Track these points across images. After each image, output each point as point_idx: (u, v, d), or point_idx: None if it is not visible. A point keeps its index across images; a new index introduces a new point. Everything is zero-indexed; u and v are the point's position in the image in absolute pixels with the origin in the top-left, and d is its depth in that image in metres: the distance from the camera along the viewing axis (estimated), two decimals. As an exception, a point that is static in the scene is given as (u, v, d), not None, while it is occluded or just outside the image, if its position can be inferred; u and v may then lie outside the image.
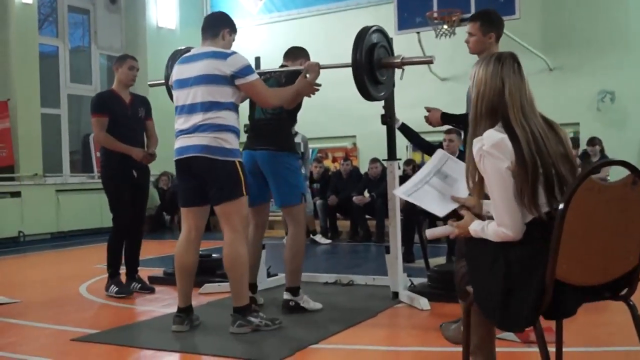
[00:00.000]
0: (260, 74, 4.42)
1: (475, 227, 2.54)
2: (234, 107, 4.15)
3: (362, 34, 4.52)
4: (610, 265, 2.38)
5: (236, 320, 4.07)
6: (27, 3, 11.19)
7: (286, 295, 4.70)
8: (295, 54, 4.95)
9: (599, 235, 2.31)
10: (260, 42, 12.93)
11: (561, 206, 2.23)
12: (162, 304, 5.18)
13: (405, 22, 10.74)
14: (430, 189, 2.82)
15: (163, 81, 5.35)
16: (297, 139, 8.39)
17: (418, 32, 10.75)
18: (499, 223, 2.41)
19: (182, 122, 4.14)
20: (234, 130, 4.12)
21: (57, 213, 11.46)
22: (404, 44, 9.92)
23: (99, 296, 5.45)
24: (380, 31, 4.73)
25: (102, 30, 13.12)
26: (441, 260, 6.58)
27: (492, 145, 2.39)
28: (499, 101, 2.46)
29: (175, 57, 4.98)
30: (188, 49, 4.63)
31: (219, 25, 4.27)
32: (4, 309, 5.06)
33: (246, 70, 4.08)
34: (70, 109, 12.55)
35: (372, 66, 4.56)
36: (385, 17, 11.25)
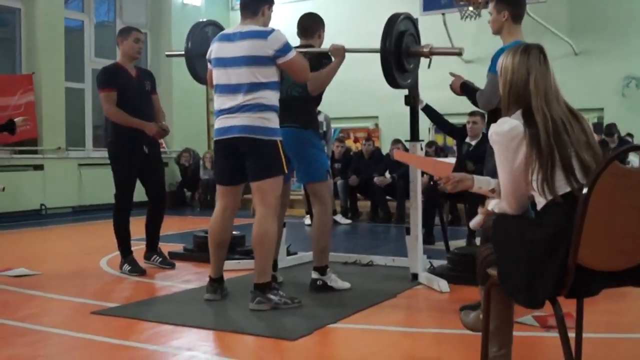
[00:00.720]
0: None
1: (492, 206, 2.74)
2: (275, 86, 4.20)
3: (392, 22, 4.47)
4: (633, 251, 2.36)
5: (256, 296, 4.09)
6: (54, -23, 11.22)
7: (314, 275, 4.70)
8: (311, 29, 4.86)
9: (622, 220, 2.30)
10: (284, 21, 12.82)
11: (585, 190, 2.22)
12: (181, 279, 5.21)
13: (430, 3, 10.66)
14: None
15: (182, 52, 5.33)
16: (320, 118, 8.35)
17: (443, 14, 10.66)
18: (504, 201, 2.62)
19: (224, 102, 4.18)
20: (276, 110, 4.18)
21: (79, 187, 11.55)
22: (429, 24, 9.84)
23: (119, 270, 5.49)
24: (409, 18, 4.69)
25: (128, 6, 13.12)
26: (461, 243, 6.54)
27: (502, 132, 2.51)
28: (524, 90, 2.55)
29: (195, 30, 4.96)
30: (210, 22, 4.62)
31: (259, 2, 4.29)
32: (26, 281, 5.13)
33: (286, 48, 4.12)
34: (94, 83, 12.57)
35: (400, 54, 4.52)
36: (411, -2, 11.21)
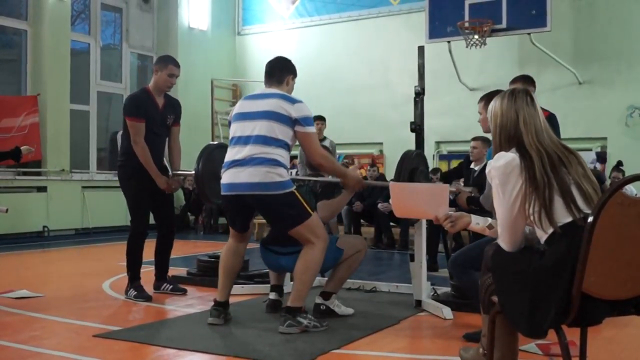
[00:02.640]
0: (293, 180, 4.48)
1: (474, 225, 2.98)
2: (288, 148, 4.27)
3: (405, 158, 4.79)
4: (638, 280, 2.35)
5: (287, 320, 4.12)
6: (61, 0, 11.33)
7: (317, 300, 4.71)
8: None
9: (627, 249, 2.32)
10: (291, 46, 12.97)
11: (590, 219, 2.23)
12: (184, 303, 5.19)
13: (436, 30, 10.70)
14: None
15: (191, 172, 5.35)
16: (326, 143, 8.39)
17: (449, 41, 10.70)
18: (500, 237, 2.66)
19: (236, 153, 4.24)
20: (286, 167, 4.25)
21: (82, 209, 11.57)
22: (435, 53, 9.91)
23: (121, 293, 5.46)
24: (420, 155, 4.98)
25: (134, 29, 13.24)
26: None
27: (499, 166, 2.58)
28: (515, 130, 2.64)
29: (206, 152, 4.96)
30: (220, 145, 4.85)
31: (284, 72, 4.45)
32: (28, 303, 5.11)
33: (309, 120, 4.26)
34: (100, 106, 12.67)
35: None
36: (417, 25, 11.29)
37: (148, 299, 5.25)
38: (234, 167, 4.21)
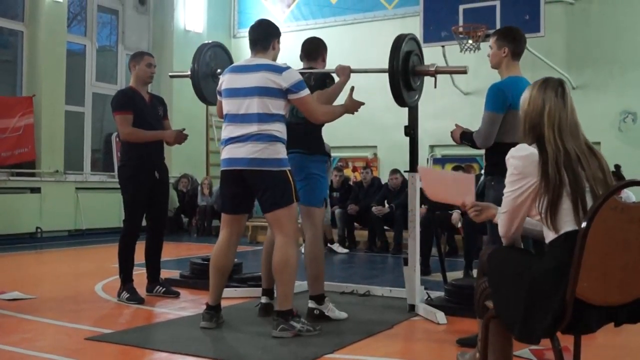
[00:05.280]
0: None
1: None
2: (283, 119, 4.26)
3: (399, 42, 4.62)
4: (631, 285, 2.37)
5: (279, 324, 4.09)
6: (57, 1, 11.35)
7: (311, 304, 4.67)
8: (317, 50, 5.02)
9: (621, 255, 2.32)
10: (286, 49, 12.90)
11: (584, 224, 2.23)
12: (177, 306, 5.18)
13: (430, 35, 10.72)
14: None
15: (186, 73, 5.43)
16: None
17: (443, 46, 10.72)
18: (498, 219, 2.71)
19: (232, 130, 4.22)
20: (284, 142, 4.24)
21: (76, 211, 11.54)
22: (429, 57, 9.88)
23: (114, 295, 5.44)
24: (414, 40, 4.83)
25: (130, 31, 13.22)
26: (459, 274, 6.53)
27: (519, 156, 2.56)
28: (538, 120, 2.59)
29: (201, 52, 5.02)
30: (216, 44, 4.70)
31: (269, 37, 4.40)
32: (20, 305, 5.09)
33: (299, 85, 4.20)
34: (95, 107, 12.65)
35: (407, 73, 4.67)
36: (411, 30, 11.06)
37: (140, 301, 5.23)
38: (233, 143, 4.20)
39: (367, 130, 12.34)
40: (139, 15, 13.43)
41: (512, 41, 4.14)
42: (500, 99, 3.97)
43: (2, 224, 10.22)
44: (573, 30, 11.18)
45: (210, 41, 5.54)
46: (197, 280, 5.85)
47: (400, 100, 4.69)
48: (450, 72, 4.88)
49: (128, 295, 5.28)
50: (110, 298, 5.45)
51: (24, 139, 10.93)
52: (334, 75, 4.91)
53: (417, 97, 4.97)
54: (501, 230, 2.67)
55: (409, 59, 4.67)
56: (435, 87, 4.84)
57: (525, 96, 2.69)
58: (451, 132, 4.47)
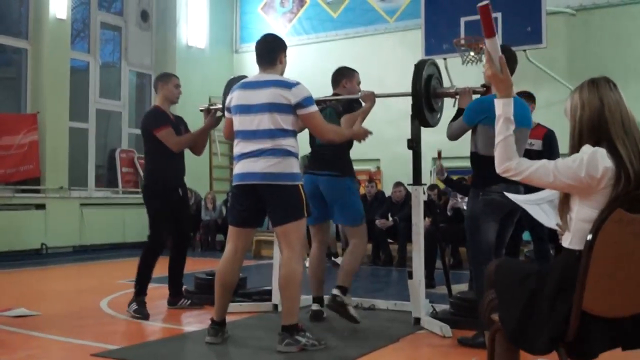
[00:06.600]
0: (317, 101, 4.56)
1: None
2: (295, 135, 4.31)
3: (420, 67, 4.84)
4: (637, 298, 2.35)
5: (284, 339, 4.09)
6: (61, 19, 11.41)
7: (335, 291, 4.84)
8: (337, 79, 5.35)
9: (626, 266, 2.31)
10: (289, 63, 12.95)
11: (589, 237, 2.23)
12: (184, 321, 5.18)
13: (432, 48, 10.75)
14: (538, 209, 3.19)
15: (218, 107, 5.58)
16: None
17: (445, 58, 10.74)
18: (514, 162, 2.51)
19: (245, 146, 4.25)
20: (296, 156, 4.29)
21: (81, 226, 11.55)
22: (431, 69, 9.94)
23: (119, 311, 5.45)
24: (434, 64, 5.07)
25: (133, 47, 13.30)
26: (463, 287, 6.52)
27: (602, 165, 2.36)
28: (599, 119, 2.46)
29: (232, 85, 5.07)
30: (243, 77, 4.82)
31: (275, 51, 4.43)
32: (25, 321, 5.09)
33: (308, 100, 4.24)
34: (98, 123, 12.70)
35: (429, 95, 4.88)
36: (413, 43, 11.33)
37: (146, 317, 5.23)
38: (246, 159, 4.23)
39: (370, 143, 12.18)
40: (142, 31, 13.51)
41: (507, 60, 4.17)
42: (473, 113, 4.33)
43: (7, 240, 10.23)
44: (575, 42, 11.21)
45: (238, 75, 5.65)
46: (202, 295, 5.84)
47: (424, 121, 4.90)
48: (471, 92, 4.95)
49: (136, 307, 5.30)
50: (116, 314, 5.45)
51: (28, 156, 10.97)
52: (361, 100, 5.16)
53: (439, 117, 5.19)
54: (498, 160, 2.53)
55: (430, 82, 4.88)
56: (454, 106, 4.96)
57: (574, 102, 2.54)
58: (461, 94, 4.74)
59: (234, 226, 4.44)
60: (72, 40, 12.06)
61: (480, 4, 2.56)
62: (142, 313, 5.25)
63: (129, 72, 13.34)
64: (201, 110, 5.73)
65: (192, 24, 13.91)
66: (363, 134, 4.76)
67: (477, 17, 2.64)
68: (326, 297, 4.99)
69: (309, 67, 12.84)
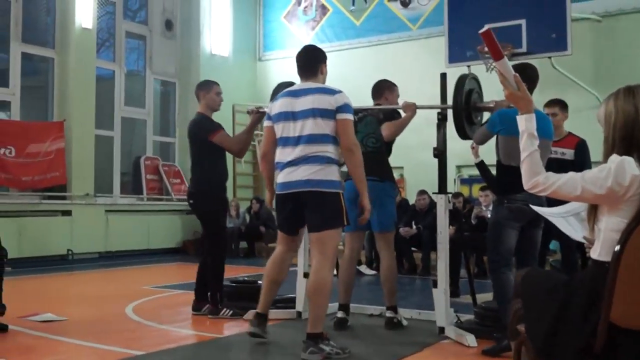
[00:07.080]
0: (357, 110, 4.70)
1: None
2: (336, 142, 4.33)
3: (461, 81, 4.93)
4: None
5: (309, 347, 4.11)
6: (87, 28, 11.55)
7: (389, 314, 5.13)
8: (378, 90, 5.54)
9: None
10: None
11: (617, 247, 2.21)
12: (207, 328, 5.20)
13: (456, 55, 10.71)
14: (565, 222, 3.24)
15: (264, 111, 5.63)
16: (345, 169, 8.40)
17: (468, 66, 10.68)
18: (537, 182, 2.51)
19: (288, 154, 4.30)
20: (337, 163, 4.33)
21: (106, 233, 11.65)
22: (455, 76, 9.90)
23: (144, 317, 5.50)
24: (475, 79, 5.19)
25: (157, 56, 13.42)
26: (488, 296, 6.47)
27: (615, 161, 2.38)
28: (633, 127, 2.43)
29: (279, 90, 5.10)
30: (290, 83, 4.88)
31: (316, 62, 4.54)
32: (52, 326, 5.15)
33: (347, 107, 4.31)
34: (123, 131, 12.81)
35: (469, 109, 4.97)
36: (437, 50, 11.30)
37: (239, 315, 5.42)
38: (288, 167, 4.28)
39: (393, 150, 12.30)
40: (166, 40, 13.63)
41: (527, 80, 4.18)
42: (493, 123, 4.46)
43: (34, 246, 10.36)
44: (600, 48, 11.12)
45: (283, 81, 5.78)
46: (227, 302, 5.85)
47: (463, 133, 4.96)
48: (507, 106, 4.95)
49: (231, 312, 5.48)
50: (141, 320, 5.49)
51: (55, 163, 11.09)
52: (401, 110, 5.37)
53: (476, 130, 5.24)
54: (525, 176, 2.53)
55: (470, 96, 4.97)
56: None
57: (609, 109, 2.50)
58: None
59: (280, 232, 4.57)
60: (97, 49, 12.19)
61: (481, 31, 2.61)
62: (237, 314, 5.44)
63: (153, 80, 13.45)
64: (248, 112, 5.78)
65: (216, 32, 14.00)
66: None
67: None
68: (352, 306, 5.03)
69: (332, 75, 12.75)
